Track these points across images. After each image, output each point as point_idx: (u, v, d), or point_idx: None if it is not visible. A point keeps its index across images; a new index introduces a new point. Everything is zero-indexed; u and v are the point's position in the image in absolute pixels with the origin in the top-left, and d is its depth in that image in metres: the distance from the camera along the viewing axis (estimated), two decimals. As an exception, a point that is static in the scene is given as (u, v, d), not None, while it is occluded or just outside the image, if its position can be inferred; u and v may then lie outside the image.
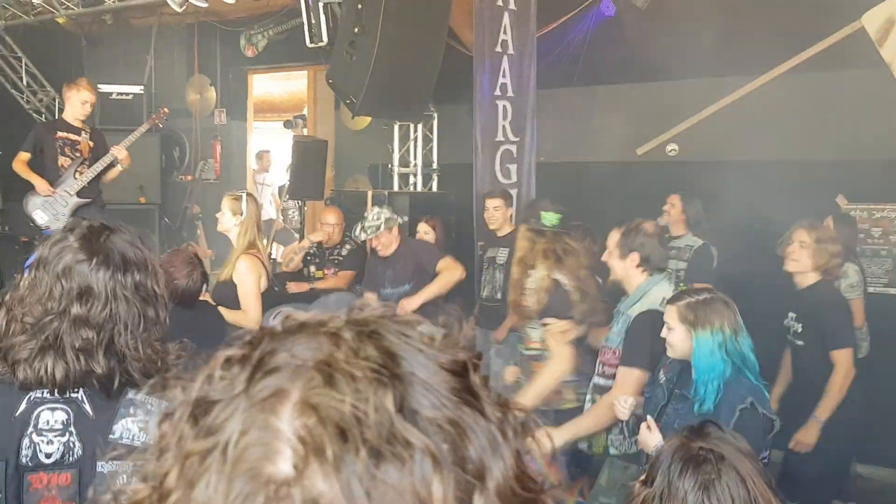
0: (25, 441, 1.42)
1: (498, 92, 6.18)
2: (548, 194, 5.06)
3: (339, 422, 0.45)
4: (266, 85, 10.58)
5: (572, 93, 6.94)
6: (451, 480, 0.45)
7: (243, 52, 9.06)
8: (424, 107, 6.93)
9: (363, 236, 5.02)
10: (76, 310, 1.45)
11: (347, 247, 5.86)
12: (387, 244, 4.94)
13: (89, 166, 5.98)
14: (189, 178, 9.39)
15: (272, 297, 4.50)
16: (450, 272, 4.82)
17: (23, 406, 1.44)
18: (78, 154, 5.98)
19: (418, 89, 6.55)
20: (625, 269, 3.42)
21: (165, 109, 7.13)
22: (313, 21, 6.84)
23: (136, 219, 8.55)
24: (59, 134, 5.93)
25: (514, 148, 6.25)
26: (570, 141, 6.95)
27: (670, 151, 6.45)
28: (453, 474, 0.46)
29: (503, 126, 6.21)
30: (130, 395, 1.49)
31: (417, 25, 6.16)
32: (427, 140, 7.37)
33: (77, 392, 1.46)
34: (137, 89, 9.10)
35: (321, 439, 0.44)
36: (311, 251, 5.92)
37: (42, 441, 1.43)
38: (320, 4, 6.73)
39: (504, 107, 6.21)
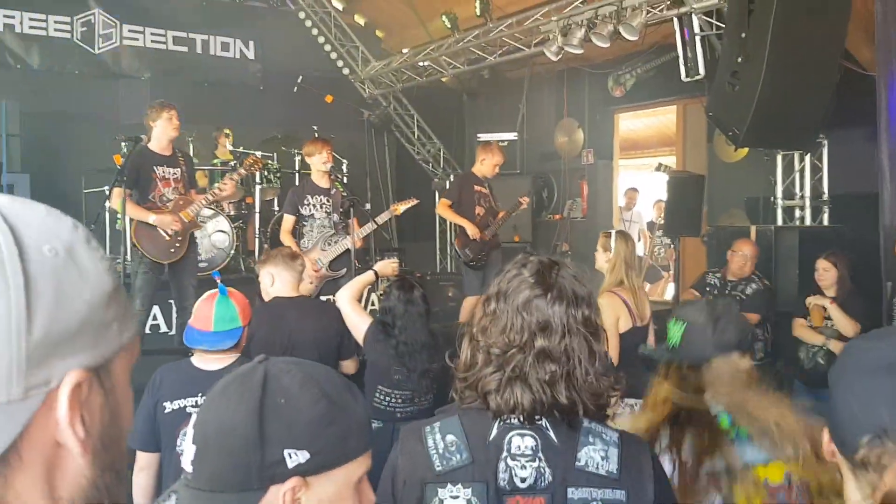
0: (501, 465, 1.49)
1: (911, 112, 5.48)
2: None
3: None
4: (631, 122, 10.67)
5: None
6: None
7: (611, 93, 9.24)
8: (814, 134, 6.40)
9: None
10: (539, 343, 1.51)
11: (754, 286, 5.46)
12: None
13: (493, 215, 6.80)
14: (558, 217, 9.77)
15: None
16: None
17: (495, 431, 1.51)
18: (489, 203, 6.77)
19: (808, 116, 6.07)
20: None
21: (525, 199, 7.23)
22: (689, 55, 6.75)
23: (512, 256, 9.06)
24: (476, 187, 6.68)
25: (933, 174, 5.47)
26: None
27: None
28: None
29: (917, 150, 5.48)
30: (587, 423, 1.52)
31: (808, 49, 5.73)
32: (816, 169, 6.79)
33: (541, 420, 1.51)
34: (512, 136, 9.77)
35: None
36: (711, 282, 5.66)
37: (516, 465, 1.48)
38: (697, 38, 6.63)
39: (919, 128, 5.48)
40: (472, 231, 6.59)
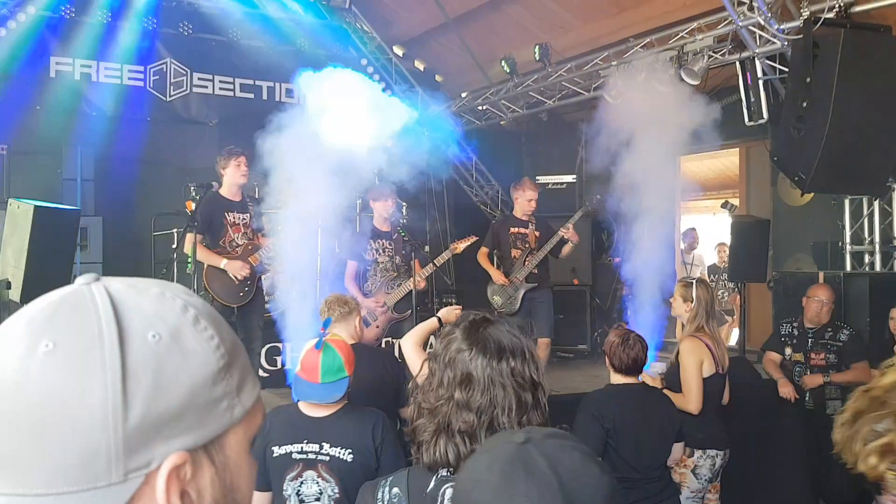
0: None
1: None
2: None
3: None
4: (692, 164, 10.58)
5: None
6: None
7: (671, 136, 9.17)
8: (884, 178, 6.26)
9: None
10: (458, 395, 1.60)
11: (846, 332, 5.24)
12: None
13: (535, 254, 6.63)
14: (618, 259, 9.68)
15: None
16: None
17: (432, 483, 1.59)
18: (527, 245, 6.69)
19: (877, 160, 5.95)
20: None
21: (598, 196, 7.39)
22: (752, 98, 6.70)
23: (570, 299, 9.05)
24: (512, 230, 6.69)
25: None
26: None
27: None
28: None
29: None
30: None
31: (876, 92, 5.64)
32: (886, 214, 6.63)
33: None
34: (570, 178, 9.76)
35: None
36: (787, 332, 5.51)
37: None
38: (760, 82, 6.58)
39: None
40: (496, 277, 6.65)
